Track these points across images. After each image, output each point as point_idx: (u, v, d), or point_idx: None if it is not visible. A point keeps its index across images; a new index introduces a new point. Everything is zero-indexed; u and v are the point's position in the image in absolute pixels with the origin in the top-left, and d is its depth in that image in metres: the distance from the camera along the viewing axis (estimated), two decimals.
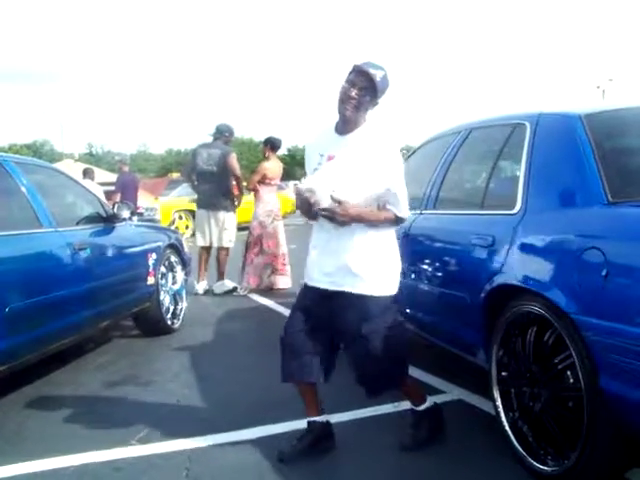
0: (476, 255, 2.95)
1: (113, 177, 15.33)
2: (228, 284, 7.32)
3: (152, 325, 5.26)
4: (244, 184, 7.67)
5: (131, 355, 4.77)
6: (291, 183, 21.88)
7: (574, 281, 2.26)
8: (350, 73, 2.63)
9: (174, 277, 5.59)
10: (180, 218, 15.62)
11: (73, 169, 18.84)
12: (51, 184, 4.30)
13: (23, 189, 3.76)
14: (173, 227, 11.54)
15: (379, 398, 2.97)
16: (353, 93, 2.58)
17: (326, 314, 2.69)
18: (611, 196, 2.33)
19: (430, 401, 2.94)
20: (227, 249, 7.37)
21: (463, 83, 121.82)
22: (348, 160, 2.59)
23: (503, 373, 2.75)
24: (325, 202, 2.50)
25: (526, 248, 2.62)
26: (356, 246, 2.63)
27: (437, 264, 3.39)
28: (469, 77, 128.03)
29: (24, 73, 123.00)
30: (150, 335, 5.25)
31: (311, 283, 2.76)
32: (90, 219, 4.48)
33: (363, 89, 2.59)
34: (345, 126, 2.68)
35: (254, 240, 7.30)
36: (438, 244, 3.50)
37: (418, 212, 3.76)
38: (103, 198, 6.44)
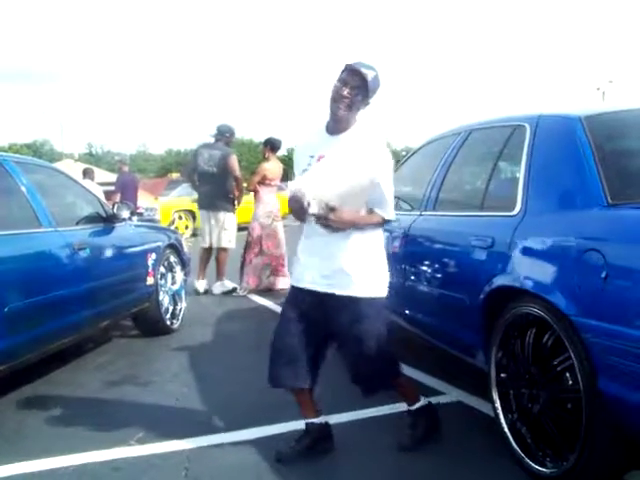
0: (475, 257, 2.95)
1: (113, 177, 15.34)
2: (227, 284, 7.33)
3: (151, 325, 5.26)
4: (244, 185, 7.67)
5: (130, 355, 4.77)
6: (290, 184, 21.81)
7: (573, 283, 2.26)
8: (342, 72, 2.63)
9: (173, 277, 5.59)
10: (180, 218, 15.62)
11: (73, 169, 18.86)
12: (51, 184, 4.30)
13: (23, 189, 3.76)
14: (173, 227, 11.52)
15: (378, 399, 2.97)
16: (346, 92, 2.58)
17: (318, 316, 2.69)
18: (611, 198, 2.33)
19: (424, 400, 2.94)
20: (227, 250, 7.38)
21: (463, 84, 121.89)
22: (338, 160, 2.57)
23: (502, 375, 2.75)
24: (316, 205, 2.49)
25: (525, 250, 2.62)
26: (347, 248, 2.63)
27: (436, 265, 3.39)
28: (469, 78, 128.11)
29: (24, 73, 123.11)
30: (149, 335, 5.25)
31: (301, 285, 2.73)
32: (90, 219, 4.48)
33: (355, 88, 2.59)
34: (336, 126, 2.67)
35: (254, 241, 7.30)
36: (438, 245, 3.51)
37: (418, 213, 3.76)
38: (103, 198, 6.44)
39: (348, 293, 2.63)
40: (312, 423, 2.86)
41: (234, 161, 7.18)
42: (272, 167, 7.36)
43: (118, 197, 10.04)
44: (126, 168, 11.68)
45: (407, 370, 3.94)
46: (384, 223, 2.72)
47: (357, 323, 2.63)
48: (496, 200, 3.09)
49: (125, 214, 4.78)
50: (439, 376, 3.81)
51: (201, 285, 7.30)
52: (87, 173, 11.29)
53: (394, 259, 3.84)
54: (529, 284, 2.51)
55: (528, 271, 2.55)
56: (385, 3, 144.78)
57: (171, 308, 5.46)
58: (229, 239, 7.31)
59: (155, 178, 35.28)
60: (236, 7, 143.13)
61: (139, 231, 5.22)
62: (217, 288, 7.29)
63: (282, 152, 9.27)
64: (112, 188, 11.15)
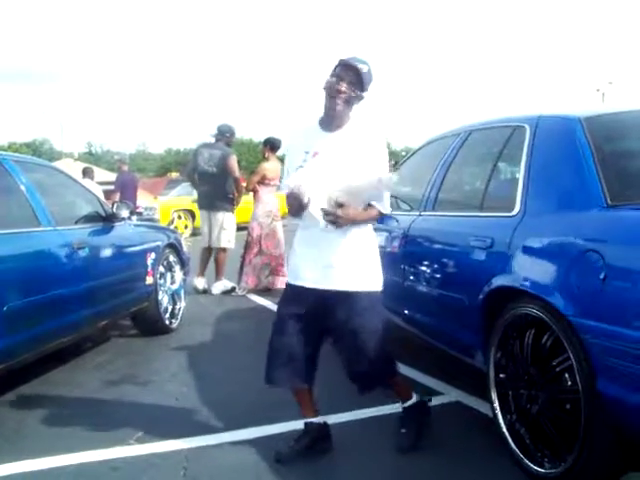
0: (475, 257, 2.96)
1: (112, 176, 15.35)
2: (227, 284, 7.33)
3: (150, 325, 5.26)
4: (243, 184, 7.67)
5: (129, 355, 4.77)
6: None
7: (572, 284, 2.27)
8: (336, 68, 2.63)
9: (172, 277, 5.58)
10: (179, 218, 15.62)
11: (72, 168, 18.83)
12: (50, 183, 4.30)
13: (22, 188, 3.76)
14: (172, 227, 11.53)
15: (377, 399, 2.97)
16: (343, 87, 2.58)
17: (316, 313, 2.69)
18: (610, 199, 2.34)
19: (416, 397, 2.95)
20: (226, 250, 7.38)
21: (463, 85, 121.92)
22: (337, 157, 2.59)
23: (501, 375, 2.75)
24: (318, 202, 2.49)
25: (525, 250, 2.62)
26: (346, 244, 2.65)
27: (436, 266, 3.39)
28: (469, 79, 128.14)
29: (24, 73, 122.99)
30: (148, 335, 5.25)
31: (299, 283, 2.73)
32: (89, 218, 4.47)
33: (351, 83, 2.59)
34: (333, 122, 2.67)
35: (253, 240, 7.30)
36: (437, 246, 3.51)
37: (417, 213, 3.76)
38: (102, 197, 6.44)
39: (348, 288, 2.65)
40: (311, 423, 2.87)
41: (233, 161, 7.18)
42: (272, 167, 7.36)
43: (117, 196, 10.04)
44: (125, 167, 11.69)
45: (406, 370, 3.95)
46: (380, 217, 2.77)
47: (357, 317, 2.64)
48: (495, 200, 3.09)
49: (124, 213, 4.77)
50: (438, 376, 3.81)
51: (200, 283, 7.31)
52: (87, 172, 11.30)
53: (393, 259, 3.84)
54: (528, 285, 2.51)
55: (527, 272, 2.55)
56: (386, 3, 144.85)
57: (170, 308, 5.46)
58: (228, 239, 7.31)
59: (154, 177, 35.26)
60: (236, 7, 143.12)
61: (138, 230, 5.22)
62: (216, 288, 7.29)
63: (282, 152, 9.26)
64: (112, 187, 11.16)
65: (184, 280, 5.85)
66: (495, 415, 2.76)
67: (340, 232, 2.60)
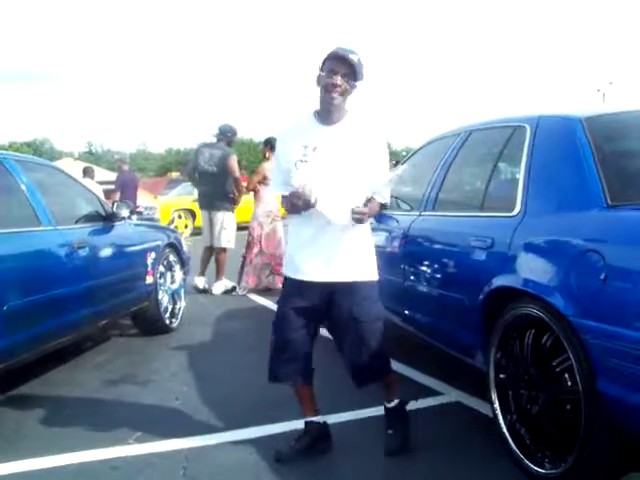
0: (475, 257, 2.95)
1: (113, 176, 15.34)
2: (227, 284, 7.33)
3: (150, 324, 5.26)
4: (244, 184, 7.67)
5: (129, 354, 4.77)
6: None
7: (573, 284, 2.26)
8: (327, 61, 2.61)
9: (173, 276, 5.59)
10: (179, 217, 15.63)
11: (73, 167, 18.82)
12: (51, 182, 4.30)
13: (23, 187, 3.76)
14: (172, 226, 11.53)
15: (377, 399, 2.96)
16: (338, 80, 2.57)
17: (317, 307, 2.70)
18: (610, 199, 2.33)
19: (398, 399, 2.94)
20: (226, 249, 7.38)
21: (464, 85, 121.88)
22: (339, 151, 2.61)
23: (501, 375, 2.75)
24: (327, 199, 2.50)
25: (525, 250, 2.61)
26: (348, 237, 2.66)
27: (436, 266, 3.39)
28: (470, 79, 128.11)
29: (24, 73, 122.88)
30: (148, 334, 5.25)
31: (300, 277, 2.71)
32: (89, 218, 4.48)
33: (345, 75, 2.58)
34: (331, 116, 2.66)
35: (253, 240, 7.30)
36: (437, 246, 3.50)
37: (417, 213, 3.76)
38: (103, 197, 6.44)
39: (350, 279, 2.67)
40: (311, 422, 2.87)
41: (234, 161, 7.18)
42: (272, 167, 7.34)
43: (118, 196, 10.03)
44: (126, 167, 11.68)
45: (406, 370, 3.96)
46: (381, 208, 2.81)
47: (359, 306, 2.67)
48: (496, 201, 3.09)
49: (124, 213, 4.78)
50: (438, 376, 3.81)
51: (200, 281, 7.32)
52: (87, 172, 11.31)
53: (394, 259, 3.84)
54: (528, 285, 2.51)
55: (527, 272, 2.55)
56: (386, 3, 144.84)
57: (170, 307, 5.47)
58: (228, 239, 7.30)
59: (155, 177, 35.31)
60: (236, 7, 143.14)
61: (138, 230, 5.23)
62: (217, 288, 7.29)
63: None
64: (112, 187, 11.15)
65: (184, 280, 5.85)
66: (495, 415, 2.76)
67: (340, 226, 2.60)
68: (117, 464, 2.82)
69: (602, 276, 2.10)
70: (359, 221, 2.57)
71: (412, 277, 3.66)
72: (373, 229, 2.97)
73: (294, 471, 2.72)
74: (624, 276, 2.08)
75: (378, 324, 2.72)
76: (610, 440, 2.22)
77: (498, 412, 2.74)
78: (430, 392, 3.60)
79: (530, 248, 2.60)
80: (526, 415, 2.55)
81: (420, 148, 4.48)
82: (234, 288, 7.30)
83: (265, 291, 7.17)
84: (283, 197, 2.76)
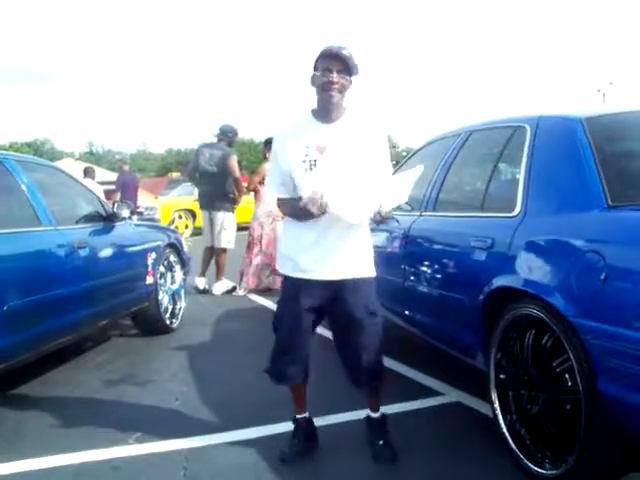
0: (475, 257, 2.95)
1: (113, 176, 15.36)
2: (227, 284, 7.33)
3: (151, 324, 5.26)
4: (244, 184, 7.67)
5: (130, 354, 4.77)
6: None
7: (573, 284, 2.26)
8: (320, 60, 2.59)
9: (173, 277, 5.59)
10: (180, 217, 15.64)
11: (73, 168, 18.84)
12: (51, 182, 4.30)
13: (23, 187, 3.76)
14: (173, 226, 11.54)
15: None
16: (334, 78, 2.56)
17: (321, 305, 2.70)
18: (611, 200, 2.33)
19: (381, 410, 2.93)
20: (226, 250, 7.38)
21: (464, 85, 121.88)
22: (345, 150, 2.60)
23: (501, 376, 2.75)
24: (340, 201, 2.48)
25: (525, 251, 2.61)
26: (349, 234, 2.66)
27: (436, 266, 3.39)
28: (470, 79, 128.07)
29: (24, 73, 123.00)
30: (149, 334, 5.25)
31: (305, 276, 2.68)
32: (90, 218, 4.48)
33: (340, 71, 2.57)
34: (330, 114, 2.64)
35: (254, 240, 7.30)
36: (437, 246, 3.51)
37: (418, 214, 3.76)
38: (103, 197, 6.44)
39: (356, 275, 2.68)
40: (304, 418, 2.90)
41: (234, 162, 7.18)
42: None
43: (118, 196, 10.04)
44: (126, 167, 11.69)
45: (406, 370, 3.96)
46: None
47: (362, 303, 2.68)
48: (496, 201, 3.09)
49: (125, 213, 4.78)
50: (438, 377, 3.81)
51: (201, 282, 7.32)
52: (88, 172, 11.32)
53: (394, 259, 3.85)
54: (529, 285, 2.51)
55: (528, 272, 2.55)
56: (387, 4, 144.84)
57: (170, 307, 5.47)
58: (228, 239, 7.30)
59: (155, 177, 35.33)
60: (237, 7, 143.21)
61: (139, 230, 5.23)
62: (217, 288, 7.29)
63: None
64: (112, 187, 11.16)
65: (184, 280, 5.85)
66: (495, 416, 2.76)
67: (340, 224, 2.59)
68: (117, 464, 2.82)
69: (602, 276, 2.10)
70: (379, 222, 2.59)
71: (412, 277, 3.66)
72: (374, 229, 2.97)
73: (295, 471, 2.72)
74: (624, 276, 2.07)
75: (378, 321, 2.72)
76: (610, 440, 2.22)
77: (498, 412, 2.74)
78: (430, 392, 3.60)
79: (530, 248, 2.60)
80: (526, 415, 2.55)
81: (420, 148, 4.48)
82: (234, 288, 7.30)
83: (265, 291, 7.17)
84: (280, 200, 2.74)
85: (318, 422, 3.01)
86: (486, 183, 3.23)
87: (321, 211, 2.46)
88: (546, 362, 2.43)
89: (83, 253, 4.02)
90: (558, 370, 2.37)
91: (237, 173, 7.23)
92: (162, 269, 5.33)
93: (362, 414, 3.10)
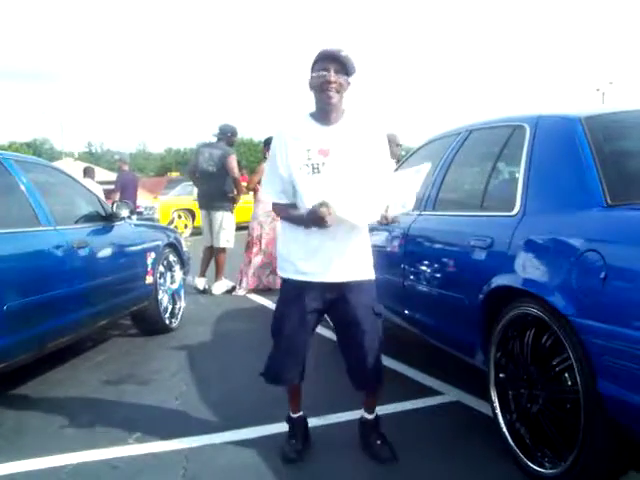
0: (475, 256, 2.95)
1: (112, 176, 15.37)
2: (227, 284, 7.33)
3: (150, 324, 5.26)
4: (244, 184, 7.67)
5: (129, 354, 4.77)
6: None
7: (572, 283, 2.26)
8: (317, 62, 2.58)
9: (172, 276, 5.59)
10: (179, 217, 15.64)
11: (73, 167, 18.86)
12: (50, 182, 4.30)
13: (22, 187, 3.76)
14: (172, 226, 11.53)
15: (376, 400, 2.96)
16: (332, 77, 2.55)
17: (325, 306, 2.69)
18: (610, 199, 2.33)
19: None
20: (225, 250, 7.38)
21: (463, 85, 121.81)
22: (348, 153, 2.59)
23: (501, 375, 2.75)
24: (348, 205, 2.48)
25: (524, 250, 2.61)
26: (351, 237, 2.66)
27: (436, 265, 3.39)
28: (469, 79, 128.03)
29: (24, 73, 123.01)
30: (148, 334, 5.25)
31: (302, 278, 2.67)
32: (89, 218, 4.48)
33: (338, 71, 2.56)
34: (330, 115, 2.62)
35: (253, 240, 7.30)
36: (437, 245, 3.51)
37: (417, 213, 3.76)
38: (103, 197, 6.43)
39: (359, 277, 2.68)
40: (298, 417, 2.91)
41: (233, 161, 7.17)
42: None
43: (118, 196, 10.03)
44: (126, 167, 11.66)
45: (406, 370, 3.96)
46: None
47: (367, 304, 2.68)
48: (495, 200, 3.09)
49: (124, 213, 4.78)
50: (438, 376, 3.81)
51: (200, 283, 7.32)
52: (88, 172, 11.31)
53: (393, 259, 3.85)
54: (528, 284, 2.51)
55: (527, 271, 2.55)
56: (388, 4, 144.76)
57: (170, 307, 5.47)
58: (227, 239, 7.30)
59: (155, 177, 35.33)
60: (236, 6, 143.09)
61: (138, 230, 5.22)
62: (216, 288, 7.29)
63: None
64: (112, 187, 11.14)
65: (184, 280, 5.85)
66: (495, 415, 2.76)
67: (343, 226, 2.58)
68: (117, 464, 2.82)
69: (602, 276, 2.10)
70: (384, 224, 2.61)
71: (412, 277, 3.66)
72: (373, 229, 2.97)
73: (295, 471, 2.72)
74: (624, 276, 2.07)
75: (380, 323, 2.73)
76: (610, 440, 2.22)
77: (498, 411, 2.75)
78: (430, 391, 3.60)
79: (530, 247, 2.60)
80: (526, 414, 2.55)
81: (420, 147, 4.48)
82: (234, 288, 7.30)
83: (265, 291, 7.17)
84: (279, 206, 2.71)
85: (318, 422, 3.01)
86: (485, 182, 3.24)
87: (332, 222, 2.44)
88: (546, 361, 2.44)
89: (82, 253, 4.02)
90: (558, 369, 2.37)
91: (236, 173, 7.22)
92: (162, 269, 5.33)
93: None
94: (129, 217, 5.06)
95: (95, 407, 3.59)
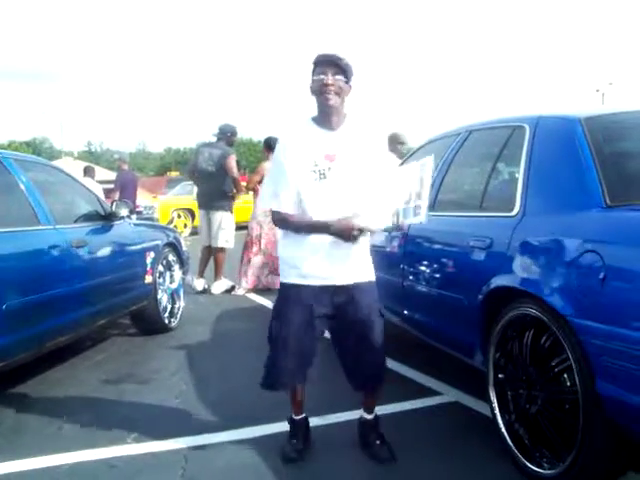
0: (474, 257, 2.95)
1: (112, 175, 15.37)
2: (226, 284, 7.33)
3: (149, 324, 5.26)
4: (243, 184, 7.67)
5: (128, 353, 4.77)
6: None
7: (571, 284, 2.26)
8: (317, 66, 2.59)
9: (172, 276, 5.59)
10: (179, 217, 15.64)
11: (72, 167, 18.86)
12: (50, 182, 4.30)
13: (22, 186, 3.76)
14: (172, 226, 11.53)
15: (376, 400, 2.96)
16: (330, 79, 2.55)
17: (331, 309, 2.68)
18: (609, 199, 2.33)
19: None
20: (224, 249, 7.37)
21: (463, 85, 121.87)
22: (355, 158, 2.59)
23: (500, 375, 2.75)
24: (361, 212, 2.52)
25: (524, 250, 2.62)
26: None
27: (435, 266, 3.39)
28: (469, 79, 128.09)
29: (24, 72, 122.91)
30: (147, 334, 5.25)
31: (302, 281, 2.66)
32: (88, 217, 4.48)
33: (336, 74, 2.56)
34: (331, 119, 2.61)
35: (252, 240, 7.30)
36: (436, 246, 3.50)
37: None
38: (102, 196, 6.43)
39: (363, 279, 2.69)
40: (302, 418, 2.90)
41: (232, 161, 7.17)
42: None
43: (117, 195, 10.03)
44: (126, 166, 11.67)
45: (405, 370, 3.96)
46: None
47: (372, 305, 2.69)
48: (495, 201, 3.09)
49: (124, 212, 4.77)
50: (437, 376, 3.81)
51: (200, 283, 7.31)
52: (88, 171, 11.31)
53: (393, 259, 3.84)
54: (527, 285, 2.51)
55: (526, 272, 2.55)
56: (388, 4, 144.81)
57: (169, 307, 5.47)
58: (226, 239, 7.29)
59: (154, 176, 35.34)
60: (236, 6, 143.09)
61: (138, 229, 5.22)
62: (216, 287, 7.29)
63: None
64: (112, 186, 11.14)
65: (183, 279, 5.84)
66: (494, 415, 2.76)
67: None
68: (115, 463, 2.82)
69: (601, 276, 2.10)
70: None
71: (411, 277, 3.66)
72: None
73: (295, 471, 2.72)
74: (623, 276, 2.08)
75: (382, 323, 2.73)
76: (609, 440, 2.22)
77: (497, 412, 2.75)
78: (429, 392, 3.60)
79: (529, 248, 2.60)
80: (525, 415, 2.55)
81: (419, 148, 4.48)
82: (233, 288, 7.30)
83: (264, 290, 7.17)
84: (274, 213, 2.69)
85: (318, 422, 3.01)
86: (485, 183, 3.24)
87: (360, 235, 2.52)
88: (544, 362, 2.44)
89: (82, 252, 4.01)
90: (556, 370, 2.37)
91: (235, 173, 7.21)
92: (161, 268, 5.33)
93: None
94: (128, 216, 5.06)
95: (94, 406, 3.59)
